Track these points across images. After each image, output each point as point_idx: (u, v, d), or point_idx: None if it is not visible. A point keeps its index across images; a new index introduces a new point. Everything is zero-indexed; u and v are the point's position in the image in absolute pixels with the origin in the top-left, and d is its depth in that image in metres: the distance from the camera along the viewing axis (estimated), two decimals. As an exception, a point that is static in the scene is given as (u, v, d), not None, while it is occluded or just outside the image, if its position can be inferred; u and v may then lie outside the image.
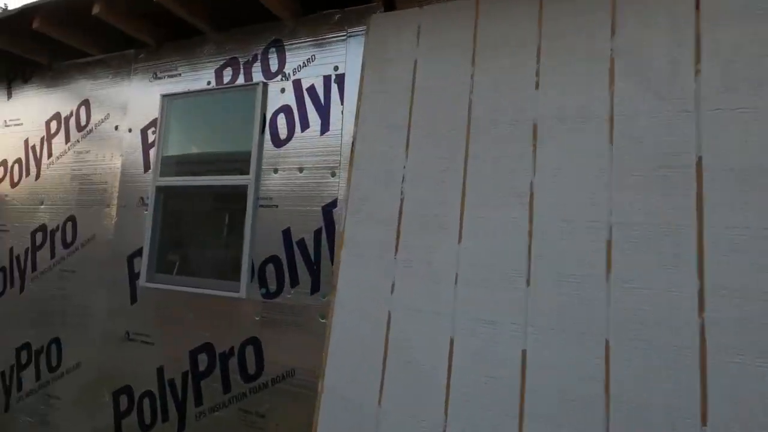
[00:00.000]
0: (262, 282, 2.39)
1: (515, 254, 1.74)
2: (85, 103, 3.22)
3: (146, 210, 2.81)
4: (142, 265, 2.72)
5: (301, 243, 2.32)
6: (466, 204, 1.87)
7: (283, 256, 2.36)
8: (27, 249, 3.27)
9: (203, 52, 2.81)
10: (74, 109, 3.26)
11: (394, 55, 2.15)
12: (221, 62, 2.73)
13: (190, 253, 2.69)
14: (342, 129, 2.31)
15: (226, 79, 2.69)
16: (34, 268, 3.21)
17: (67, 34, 2.99)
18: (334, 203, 2.28)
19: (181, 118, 2.81)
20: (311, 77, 2.44)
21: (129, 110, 3.01)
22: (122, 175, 2.96)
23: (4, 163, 3.51)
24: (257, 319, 2.39)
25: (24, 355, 3.15)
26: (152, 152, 2.86)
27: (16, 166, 3.45)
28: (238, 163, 2.56)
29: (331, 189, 2.30)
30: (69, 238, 3.10)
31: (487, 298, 1.75)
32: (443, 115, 1.98)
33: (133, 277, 2.80)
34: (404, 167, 2.01)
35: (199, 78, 2.78)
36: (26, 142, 3.43)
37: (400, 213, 1.98)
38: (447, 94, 2.00)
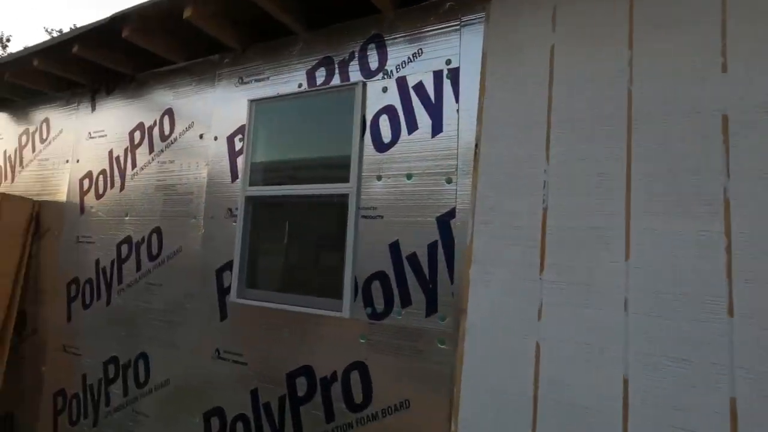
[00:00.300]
0: (368, 301, 2.17)
1: (708, 275, 1.40)
2: (169, 112, 3.15)
3: (235, 221, 2.68)
4: (232, 279, 2.58)
5: (413, 258, 2.08)
6: (631, 214, 1.56)
7: (390, 272, 2.13)
8: (113, 261, 3.24)
9: (293, 53, 2.65)
10: (157, 118, 3.20)
11: (524, 43, 1.87)
12: (313, 63, 2.55)
13: (285, 268, 2.52)
14: (458, 129, 2.05)
15: (320, 80, 2.51)
16: (120, 281, 3.17)
17: (153, 43, 2.93)
18: (451, 213, 2.03)
19: (271, 124, 2.66)
20: (418, 73, 2.20)
21: (214, 118, 2.90)
22: (208, 185, 2.84)
23: (89, 175, 3.52)
24: (362, 341, 2.16)
25: (111, 368, 3.10)
26: (240, 161, 2.72)
27: (101, 178, 3.44)
28: (336, 170, 2.36)
29: (446, 197, 2.05)
30: (155, 251, 3.03)
31: (671, 329, 1.42)
32: (594, 109, 1.68)
33: (223, 291, 2.67)
34: (545, 171, 1.72)
35: (289, 81, 2.62)
36: (110, 153, 3.42)
37: (544, 225, 1.69)
38: (597, 85, 1.69)
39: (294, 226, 2.54)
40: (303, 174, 2.51)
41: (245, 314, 2.57)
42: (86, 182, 3.53)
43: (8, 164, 4.16)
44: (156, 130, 3.19)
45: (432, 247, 2.04)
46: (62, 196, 3.68)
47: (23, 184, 3.98)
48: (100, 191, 3.43)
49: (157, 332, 2.91)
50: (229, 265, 2.66)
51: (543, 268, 1.66)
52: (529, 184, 1.74)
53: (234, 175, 2.74)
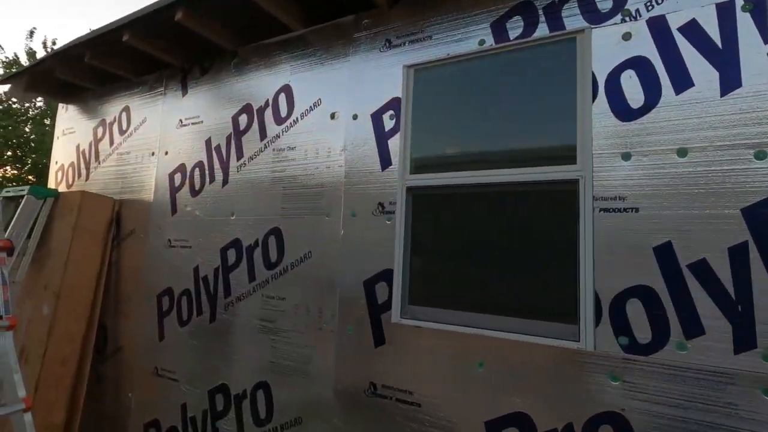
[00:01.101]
0: (621, 327, 1.56)
1: None
2: (285, 90, 2.61)
3: (389, 219, 2.11)
4: (393, 294, 2.01)
5: (701, 267, 1.46)
6: None
7: (661, 287, 1.51)
8: (217, 269, 2.71)
9: (465, 2, 2.07)
10: (270, 98, 2.67)
11: None
12: (502, 11, 1.97)
13: (473, 280, 1.92)
14: (774, 81, 1.43)
15: (514, 33, 1.92)
16: (227, 293, 2.64)
17: (272, 4, 2.40)
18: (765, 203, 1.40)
19: (439, 95, 2.08)
20: (688, 9, 1.59)
21: (351, 91, 2.35)
22: (348, 174, 2.29)
23: (182, 168, 3.02)
24: (615, 384, 1.55)
25: (220, 399, 2.57)
26: (393, 143, 2.16)
27: (197, 171, 2.94)
28: (550, 149, 1.76)
29: (758, 179, 1.42)
30: (273, 257, 2.48)
31: None
32: None
33: (376, 309, 2.10)
34: None
35: (463, 38, 2.04)
36: (208, 142, 2.92)
37: None
38: None
39: (484, 224, 1.94)
40: (494, 156, 1.92)
41: (412, 339, 1.98)
42: (178, 177, 3.04)
43: (82, 160, 3.73)
44: (269, 113, 2.66)
45: (738, 252, 1.42)
46: (148, 194, 3.19)
47: (100, 181, 3.52)
48: (197, 187, 2.92)
49: (282, 359, 2.36)
50: (384, 276, 2.09)
51: None
52: None
53: (385, 162, 2.18)
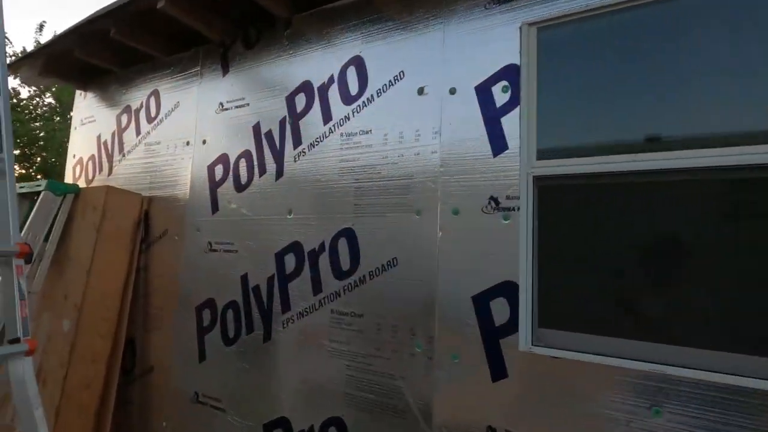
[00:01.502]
0: None
1: None
2: (356, 62, 2.17)
3: (505, 218, 1.66)
4: (520, 314, 1.56)
5: None
6: None
7: None
8: (271, 278, 2.27)
9: (610, -60, 1.62)
10: (335, 73, 2.23)
11: None
12: (668, -54, 1.51)
13: (627, 298, 1.47)
14: None
15: (689, -28, 1.47)
16: (286, 307, 2.20)
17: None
18: None
19: (573, 59, 1.63)
20: None
21: (446, 61, 1.90)
22: (444, 162, 1.84)
23: (224, 159, 2.59)
24: None
25: (278, 436, 2.13)
26: (507, 122, 1.71)
27: (243, 162, 2.50)
28: (754, 123, 1.31)
29: None
30: (345, 264, 2.04)
31: None
32: None
33: (492, 332, 1.65)
34: None
35: (609, -17, 1.59)
36: (256, 128, 2.48)
37: None
38: None
39: (648, 224, 1.49)
40: (663, 136, 1.46)
41: (547, 373, 1.54)
42: (219, 170, 2.60)
43: (104, 152, 3.30)
44: (333, 90, 2.22)
45: None
46: (183, 189, 2.76)
47: (125, 176, 3.10)
48: (243, 180, 2.49)
49: (361, 389, 1.92)
50: (502, 290, 1.64)
51: None
52: None
53: (498, 145, 1.73)
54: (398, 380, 1.84)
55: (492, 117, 1.75)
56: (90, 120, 3.49)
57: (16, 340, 1.82)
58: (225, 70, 2.70)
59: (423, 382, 1.78)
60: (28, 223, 2.63)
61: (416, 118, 1.94)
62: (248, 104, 2.55)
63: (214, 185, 2.60)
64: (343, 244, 2.07)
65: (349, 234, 2.06)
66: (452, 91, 1.86)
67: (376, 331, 1.92)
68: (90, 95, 3.54)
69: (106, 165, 3.26)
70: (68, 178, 3.54)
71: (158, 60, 3.04)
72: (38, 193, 2.86)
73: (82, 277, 2.67)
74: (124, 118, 3.22)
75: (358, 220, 2.04)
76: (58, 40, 3.05)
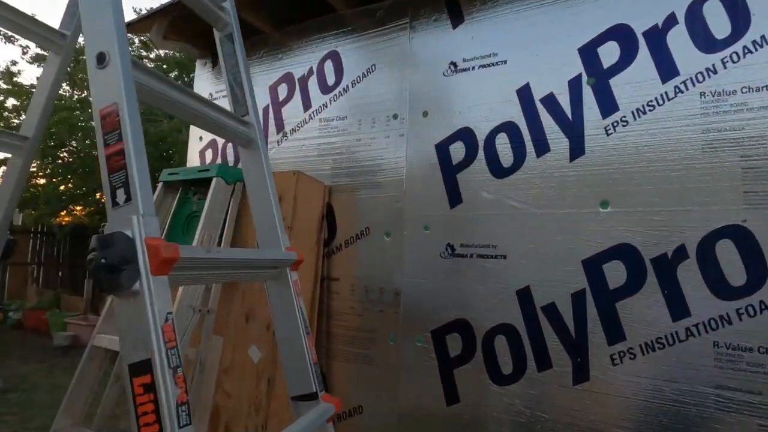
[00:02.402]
0: None
1: None
2: (718, -7, 1.55)
3: None
4: None
5: None
6: None
7: None
8: (579, 294, 1.65)
9: None
10: (679, 10, 1.61)
11: None
12: None
13: None
14: None
15: None
16: (616, 335, 1.56)
17: None
18: None
19: None
20: None
21: None
22: None
23: (466, 134, 1.95)
24: None
25: None
26: None
27: (503, 138, 1.87)
28: None
29: None
30: (734, 277, 1.42)
31: None
32: None
33: None
34: None
35: None
36: (523, 92, 1.85)
37: None
38: None
39: None
40: None
41: None
42: (458, 149, 1.97)
43: (252, 131, 2.65)
44: (677, 33, 1.60)
45: None
46: (390, 176, 2.12)
47: (290, 160, 2.44)
48: (506, 162, 1.86)
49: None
50: None
51: None
52: None
53: None
54: None
55: None
56: (223, 94, 2.83)
57: (311, 396, 1.19)
58: (457, 20, 2.06)
59: None
60: (202, 220, 1.98)
61: None
62: (505, 61, 1.92)
63: (452, 170, 1.97)
64: (723, 249, 1.45)
65: (735, 234, 1.44)
66: None
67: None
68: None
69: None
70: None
71: (334, 15, 2.40)
72: (191, 183, 2.22)
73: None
74: (283, 90, 2.57)
75: (753, 215, 1.42)
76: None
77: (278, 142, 2.53)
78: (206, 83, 2.95)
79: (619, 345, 1.57)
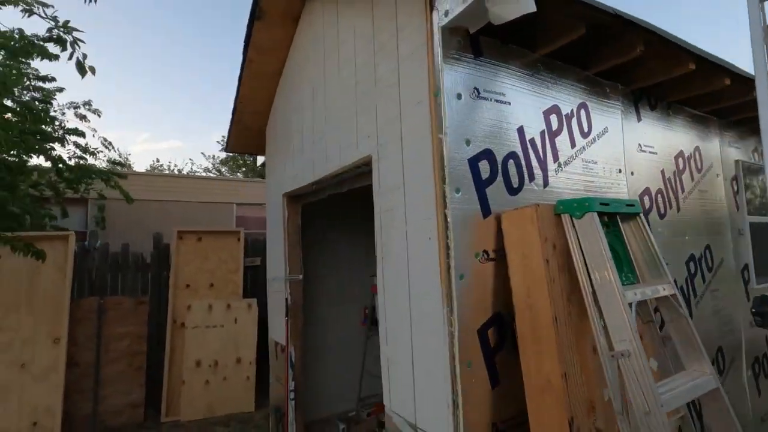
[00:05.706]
0: None
1: None
2: None
3: None
4: None
5: None
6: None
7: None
8: (685, 279, 3.38)
9: None
10: None
11: None
12: None
13: None
14: None
15: None
16: None
17: None
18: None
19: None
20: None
21: None
22: None
23: (647, 192, 3.18)
24: None
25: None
26: None
27: (660, 197, 3.27)
28: None
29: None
30: None
31: None
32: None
33: None
34: None
35: None
36: (664, 174, 3.34)
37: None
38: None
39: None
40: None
41: None
42: (646, 200, 3.17)
43: (532, 153, 2.44)
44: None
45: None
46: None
47: (563, 191, 2.62)
48: (661, 211, 3.29)
49: None
50: None
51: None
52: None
53: None
54: None
55: None
56: (502, 99, 2.33)
57: None
58: (638, 117, 3.23)
59: None
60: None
61: None
62: (656, 153, 3.33)
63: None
64: (706, 254, 3.69)
65: (707, 248, 3.71)
66: None
67: None
68: (491, 59, 2.32)
69: (538, 172, 2.48)
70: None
71: (583, 72, 2.84)
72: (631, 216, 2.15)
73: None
74: (554, 120, 2.62)
75: (708, 240, 3.76)
76: None
77: (555, 171, 2.60)
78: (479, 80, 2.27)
79: None
